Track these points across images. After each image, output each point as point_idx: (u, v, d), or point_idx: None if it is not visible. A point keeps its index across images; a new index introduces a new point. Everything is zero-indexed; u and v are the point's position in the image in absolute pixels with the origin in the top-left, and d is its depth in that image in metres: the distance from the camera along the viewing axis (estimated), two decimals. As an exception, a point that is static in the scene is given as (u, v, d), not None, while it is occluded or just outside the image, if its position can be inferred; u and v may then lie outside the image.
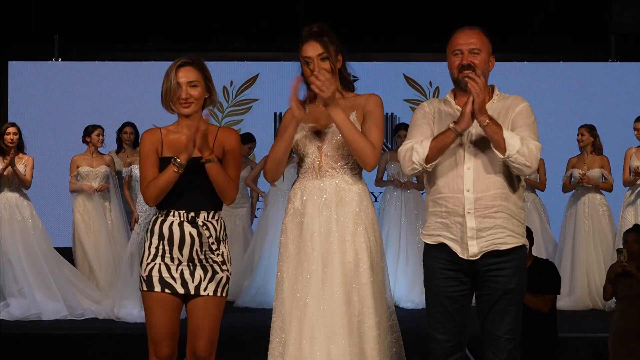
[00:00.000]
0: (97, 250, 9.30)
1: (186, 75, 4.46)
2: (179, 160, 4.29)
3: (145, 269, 4.42)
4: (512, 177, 4.26)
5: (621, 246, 6.55)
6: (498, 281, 4.24)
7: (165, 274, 4.41)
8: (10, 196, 8.84)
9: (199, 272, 4.44)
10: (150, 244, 4.44)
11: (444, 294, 4.32)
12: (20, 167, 8.83)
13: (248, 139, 10.10)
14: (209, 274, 4.45)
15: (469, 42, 4.39)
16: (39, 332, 7.80)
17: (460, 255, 4.25)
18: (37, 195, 9.12)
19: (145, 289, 4.43)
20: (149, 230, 4.47)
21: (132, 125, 9.94)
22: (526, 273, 4.33)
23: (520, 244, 4.28)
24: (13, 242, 8.69)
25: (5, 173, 8.74)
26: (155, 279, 4.41)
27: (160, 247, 4.42)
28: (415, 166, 4.28)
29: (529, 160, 4.13)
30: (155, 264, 4.42)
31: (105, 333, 7.87)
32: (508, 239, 4.25)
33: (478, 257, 4.23)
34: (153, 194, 4.38)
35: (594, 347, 7.09)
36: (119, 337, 7.72)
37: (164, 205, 4.43)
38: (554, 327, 6.00)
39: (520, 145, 4.13)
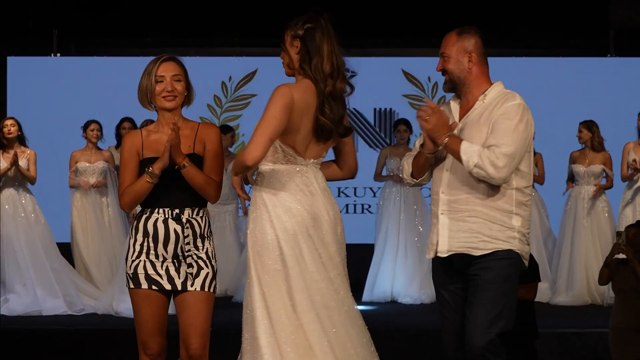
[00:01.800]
0: (91, 247, 9.31)
1: (170, 69, 4.50)
2: (152, 169, 4.30)
3: (131, 266, 4.42)
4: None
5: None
6: (475, 284, 4.21)
7: (150, 271, 4.40)
8: (13, 191, 8.85)
9: (184, 268, 4.43)
10: (135, 240, 4.43)
11: (441, 288, 4.40)
12: (22, 162, 8.85)
13: (226, 130, 10.12)
14: (194, 270, 4.44)
15: (441, 48, 4.41)
16: (38, 327, 7.83)
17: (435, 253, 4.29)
18: (36, 191, 9.13)
19: (132, 286, 4.43)
20: (133, 228, 4.45)
21: (131, 120, 9.95)
22: (512, 279, 4.21)
23: (498, 249, 4.19)
24: (16, 236, 8.71)
25: (9, 173, 8.76)
26: (142, 276, 4.40)
27: (145, 244, 4.41)
28: (408, 182, 4.39)
29: (489, 172, 4.09)
30: (140, 261, 4.41)
31: (104, 328, 7.89)
32: (481, 244, 4.19)
33: (446, 254, 4.23)
34: (128, 201, 4.40)
35: (593, 343, 7.11)
36: (118, 332, 7.73)
37: (149, 202, 4.41)
38: (533, 316, 6.06)
39: (477, 160, 4.10)
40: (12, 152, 8.79)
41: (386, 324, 6.30)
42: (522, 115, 4.27)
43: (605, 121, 9.97)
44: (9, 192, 8.82)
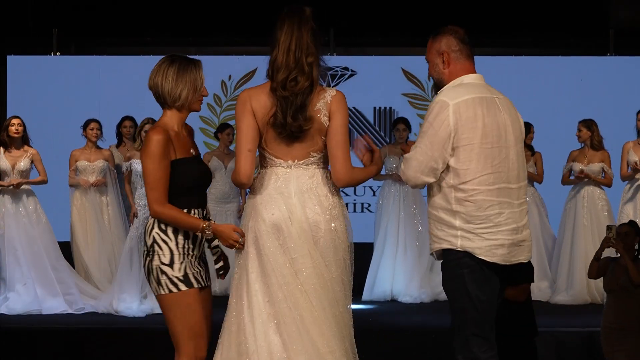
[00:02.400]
0: (90, 246, 9.31)
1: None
2: (208, 232, 4.28)
3: (180, 268, 4.30)
4: (432, 182, 4.17)
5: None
6: None
7: (195, 270, 4.37)
8: (14, 190, 8.86)
9: (202, 264, 4.48)
10: (177, 243, 4.31)
11: None
12: (25, 161, 8.87)
13: (223, 127, 10.12)
14: (204, 266, 4.51)
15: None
16: (39, 326, 7.83)
17: None
18: (36, 190, 9.14)
19: (183, 288, 4.30)
20: (172, 231, 4.32)
21: (132, 119, 9.96)
22: (457, 279, 4.11)
23: (442, 248, 4.13)
24: (17, 235, 8.72)
25: (15, 186, 8.80)
26: (192, 276, 4.34)
27: (186, 245, 4.35)
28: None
29: (405, 177, 4.16)
30: (186, 262, 4.34)
31: (104, 327, 7.89)
32: (432, 245, 4.22)
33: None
34: (164, 218, 4.29)
35: (590, 342, 7.11)
36: (118, 331, 7.75)
37: (186, 205, 4.34)
38: (531, 316, 6.09)
39: (401, 166, 4.22)
40: (14, 151, 8.83)
41: (386, 323, 6.31)
42: (430, 113, 4.12)
43: (605, 120, 9.97)
44: (10, 191, 8.83)
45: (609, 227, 6.51)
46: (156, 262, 4.29)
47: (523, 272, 5.39)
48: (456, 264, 4.12)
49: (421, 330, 7.38)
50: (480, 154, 4.06)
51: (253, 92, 4.13)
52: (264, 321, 4.09)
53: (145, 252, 4.35)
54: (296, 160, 4.14)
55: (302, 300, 4.07)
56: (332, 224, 4.14)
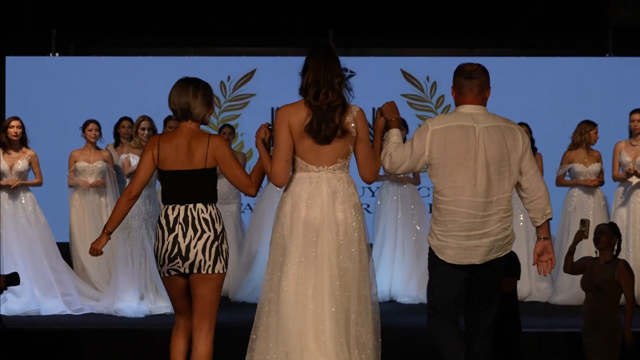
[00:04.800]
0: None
1: None
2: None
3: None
4: None
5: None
6: None
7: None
8: (13, 191, 8.86)
9: None
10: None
11: None
12: (23, 162, 8.88)
13: (222, 128, 10.12)
14: None
15: None
16: (37, 327, 7.83)
17: None
18: (35, 190, 9.15)
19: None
20: (224, 226, 5.12)
21: (130, 119, 9.94)
22: (430, 269, 5.13)
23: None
24: (15, 236, 8.71)
25: (12, 187, 8.80)
26: None
27: None
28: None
29: (386, 166, 5.16)
30: None
31: (103, 328, 7.89)
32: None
33: None
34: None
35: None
36: (118, 331, 7.75)
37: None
38: (516, 310, 6.15)
39: (386, 154, 5.15)
40: (13, 152, 8.84)
41: (384, 324, 6.32)
42: (421, 126, 5.13)
43: (604, 121, 9.97)
44: (9, 191, 8.83)
45: (582, 221, 6.64)
46: (225, 245, 5.05)
47: (511, 267, 5.92)
48: (430, 255, 5.11)
49: (420, 330, 7.36)
50: (445, 171, 4.93)
51: (290, 109, 4.95)
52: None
53: (214, 237, 4.98)
54: (326, 166, 4.93)
55: (326, 285, 4.86)
56: (356, 219, 4.95)
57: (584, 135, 9.46)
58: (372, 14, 11.94)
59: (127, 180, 8.81)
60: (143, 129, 8.75)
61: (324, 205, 4.89)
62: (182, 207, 5.00)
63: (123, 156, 8.89)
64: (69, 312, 8.61)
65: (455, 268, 4.97)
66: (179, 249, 4.96)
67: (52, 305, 8.61)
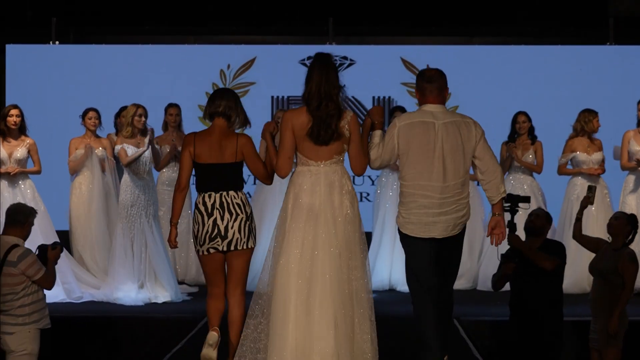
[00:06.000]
0: (88, 235, 9.28)
1: None
2: None
3: None
4: None
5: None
6: None
7: None
8: (12, 178, 8.86)
9: None
10: None
11: None
12: (22, 150, 8.88)
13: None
14: None
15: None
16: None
17: None
18: (35, 178, 9.15)
19: None
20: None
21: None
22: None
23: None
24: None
25: (12, 175, 8.79)
26: None
27: None
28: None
29: (369, 160, 5.98)
30: None
31: (103, 316, 7.90)
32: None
33: None
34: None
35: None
36: (118, 319, 7.76)
37: None
38: (560, 300, 6.75)
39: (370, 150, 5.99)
40: (12, 140, 8.83)
41: (384, 313, 6.32)
42: (390, 124, 6.07)
43: (605, 110, 9.95)
44: (8, 178, 8.83)
45: (589, 187, 7.04)
46: (254, 224, 6.06)
47: (555, 251, 6.77)
48: (399, 233, 5.98)
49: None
50: (409, 160, 5.83)
51: (294, 114, 5.79)
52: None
53: (246, 218, 6.00)
54: (324, 161, 5.76)
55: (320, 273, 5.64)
56: (351, 207, 5.77)
57: (587, 124, 9.45)
58: (373, 2, 11.91)
59: (126, 170, 8.78)
60: (140, 116, 8.72)
61: (322, 194, 5.70)
62: (217, 195, 5.97)
63: (117, 147, 8.81)
64: (68, 300, 8.61)
65: (418, 240, 5.84)
66: (219, 229, 5.94)
67: (52, 293, 8.53)
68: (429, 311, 5.88)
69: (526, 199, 6.89)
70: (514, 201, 6.81)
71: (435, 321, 5.88)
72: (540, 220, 6.94)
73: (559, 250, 6.82)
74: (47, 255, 6.57)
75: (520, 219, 7.19)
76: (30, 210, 6.67)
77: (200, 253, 6.04)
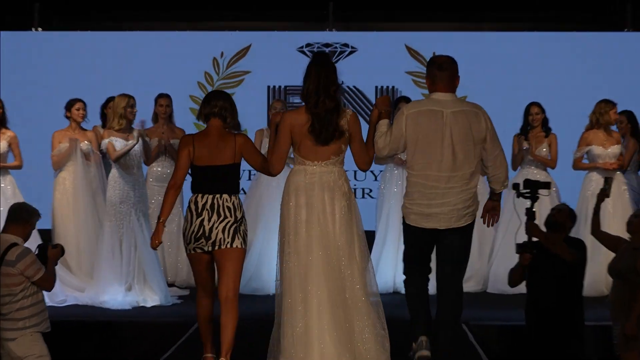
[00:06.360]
0: (73, 234, 9.22)
1: None
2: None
3: None
4: None
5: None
6: None
7: None
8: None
9: None
10: None
11: None
12: (2, 144, 8.86)
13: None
14: None
15: None
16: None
17: None
18: (15, 174, 9.10)
19: None
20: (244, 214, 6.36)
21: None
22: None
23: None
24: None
25: None
26: None
27: None
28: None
29: (375, 150, 6.24)
30: None
31: (88, 320, 7.86)
32: None
33: None
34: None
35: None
36: (103, 324, 7.72)
37: None
38: (579, 290, 6.76)
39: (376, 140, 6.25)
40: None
41: (389, 317, 6.28)
42: (397, 112, 6.35)
43: (622, 99, 9.90)
44: (-13, 173, 8.80)
45: (605, 179, 7.17)
46: (243, 227, 6.23)
47: (573, 243, 6.80)
48: (402, 220, 6.32)
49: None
50: (416, 149, 6.06)
51: (293, 115, 6.08)
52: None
53: (234, 221, 6.17)
54: (320, 161, 6.04)
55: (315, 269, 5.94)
56: (346, 205, 6.05)
57: (603, 116, 9.40)
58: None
59: (114, 165, 8.72)
60: (132, 106, 8.68)
61: (316, 195, 5.99)
62: (210, 196, 6.18)
63: (105, 141, 8.74)
64: (51, 304, 8.53)
65: (420, 230, 6.15)
66: (204, 230, 6.15)
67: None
68: (419, 287, 6.33)
69: (546, 185, 6.84)
70: (533, 187, 6.75)
71: (425, 298, 6.32)
72: (562, 216, 6.90)
73: (579, 247, 6.79)
74: (47, 255, 6.57)
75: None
76: (34, 210, 6.67)
77: (187, 252, 6.32)
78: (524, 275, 6.84)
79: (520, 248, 6.77)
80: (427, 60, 11.88)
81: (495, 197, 6.33)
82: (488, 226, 6.47)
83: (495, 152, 6.12)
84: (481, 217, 6.33)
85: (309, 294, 5.87)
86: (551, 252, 6.67)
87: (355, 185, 11.49)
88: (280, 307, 5.97)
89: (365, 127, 6.23)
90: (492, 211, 6.33)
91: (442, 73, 6.12)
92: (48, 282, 6.50)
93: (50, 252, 6.59)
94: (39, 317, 6.46)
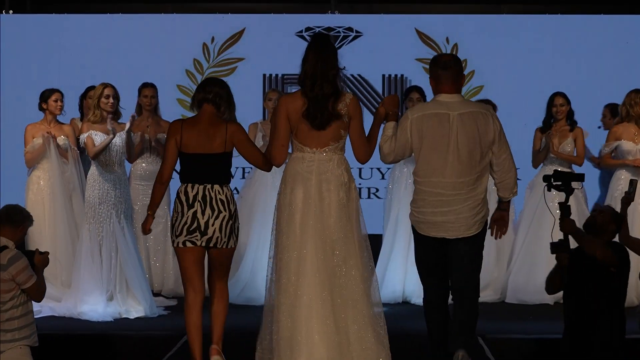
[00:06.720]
0: (50, 239, 9.20)
1: None
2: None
3: None
4: None
5: None
6: None
7: None
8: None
9: None
10: None
11: None
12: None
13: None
14: None
15: None
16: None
17: None
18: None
19: None
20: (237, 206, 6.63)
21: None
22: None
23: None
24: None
25: None
26: None
27: None
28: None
29: (380, 154, 6.50)
30: None
31: (66, 334, 7.86)
32: None
33: None
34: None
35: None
36: (82, 338, 7.72)
37: None
38: (621, 296, 6.64)
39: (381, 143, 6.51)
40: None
41: (397, 328, 6.28)
42: (402, 115, 6.45)
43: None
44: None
45: (630, 182, 7.10)
46: (237, 223, 6.50)
47: (613, 247, 6.59)
48: (412, 229, 6.51)
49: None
50: (422, 154, 6.26)
51: (289, 98, 6.30)
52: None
53: (229, 216, 6.42)
54: (318, 148, 6.20)
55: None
56: (347, 201, 6.22)
57: (634, 107, 9.40)
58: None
59: (93, 162, 8.71)
60: (107, 96, 8.62)
61: (314, 185, 6.16)
62: (201, 187, 6.39)
63: (83, 135, 8.72)
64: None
65: (430, 239, 6.33)
66: (198, 224, 6.37)
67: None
68: (435, 296, 6.47)
69: (580, 177, 6.82)
70: (566, 179, 6.66)
71: (444, 309, 6.47)
72: (603, 217, 6.68)
73: (619, 250, 6.59)
74: (34, 262, 6.55)
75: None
76: (28, 214, 6.76)
77: (176, 245, 6.47)
78: (564, 279, 6.66)
79: (555, 248, 6.64)
80: (439, 46, 12.07)
81: (503, 207, 6.46)
82: (495, 238, 6.59)
83: (503, 155, 6.29)
84: (488, 228, 6.44)
85: (299, 289, 6.04)
86: (588, 254, 6.48)
87: (360, 184, 11.50)
88: (270, 302, 6.19)
89: (368, 121, 6.28)
90: (500, 221, 6.47)
91: (446, 72, 6.32)
92: (39, 291, 6.49)
93: (37, 257, 6.58)
94: (29, 329, 6.45)
